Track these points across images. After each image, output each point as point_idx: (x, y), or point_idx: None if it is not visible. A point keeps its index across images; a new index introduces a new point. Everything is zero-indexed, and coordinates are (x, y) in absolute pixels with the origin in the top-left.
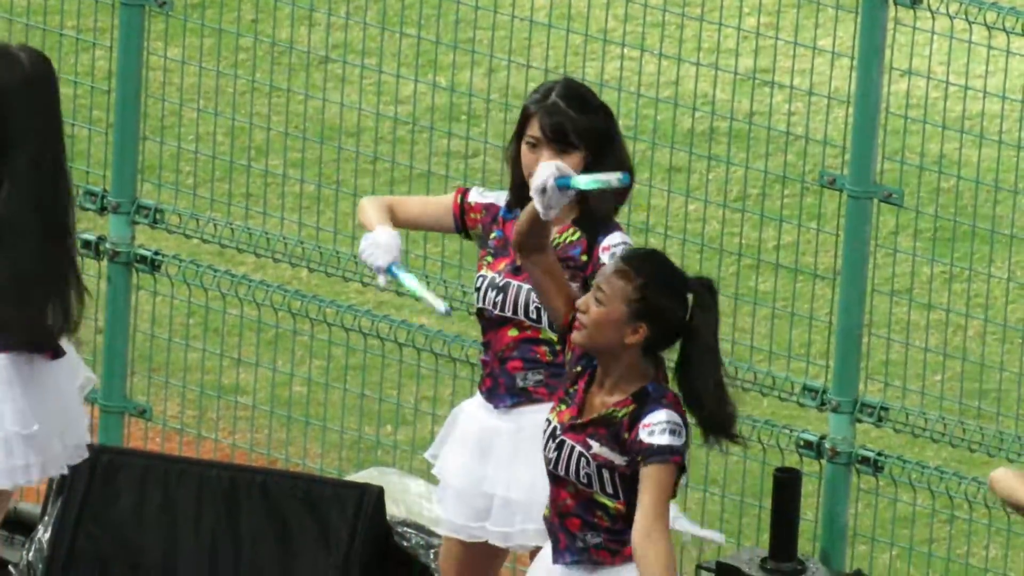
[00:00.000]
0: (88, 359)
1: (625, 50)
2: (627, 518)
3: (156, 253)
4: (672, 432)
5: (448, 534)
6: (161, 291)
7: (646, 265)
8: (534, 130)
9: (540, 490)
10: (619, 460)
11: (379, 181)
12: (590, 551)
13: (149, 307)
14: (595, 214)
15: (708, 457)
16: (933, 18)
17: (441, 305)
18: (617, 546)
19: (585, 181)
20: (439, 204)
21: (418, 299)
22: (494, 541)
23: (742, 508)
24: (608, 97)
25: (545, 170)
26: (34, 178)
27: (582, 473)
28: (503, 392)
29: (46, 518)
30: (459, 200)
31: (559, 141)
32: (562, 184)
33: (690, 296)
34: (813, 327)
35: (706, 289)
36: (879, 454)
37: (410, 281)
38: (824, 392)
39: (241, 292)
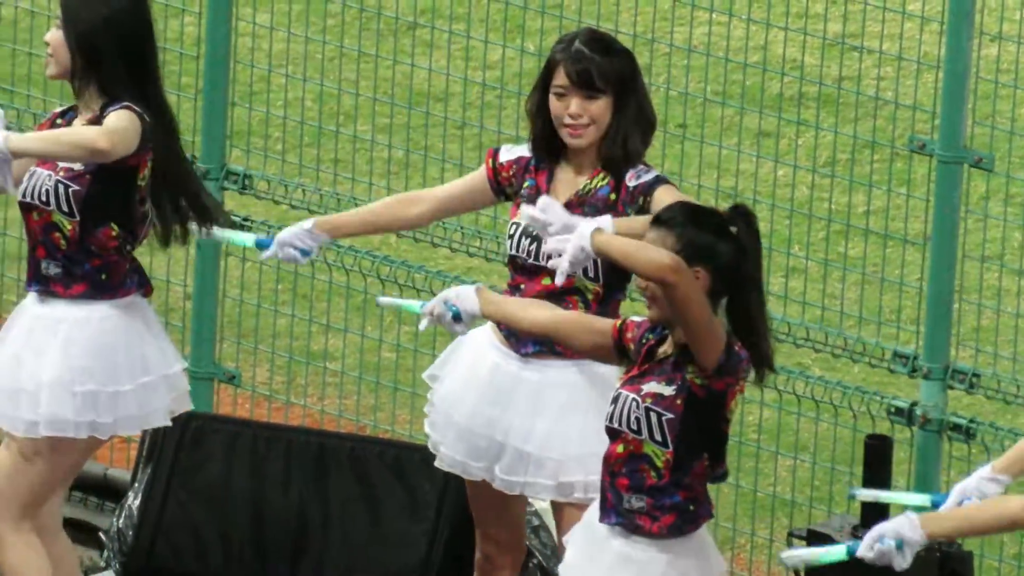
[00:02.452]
0: (177, 325)
1: (713, 15)
2: (674, 469)
3: (245, 219)
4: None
5: (446, 468)
6: (250, 257)
7: (676, 215)
8: (560, 79)
9: (556, 446)
10: (667, 390)
11: (467, 146)
12: (633, 515)
13: (238, 273)
14: (615, 158)
15: (799, 424)
16: None
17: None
18: (658, 513)
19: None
20: (469, 182)
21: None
22: (498, 486)
23: (833, 475)
24: (696, 62)
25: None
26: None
27: (632, 418)
28: (527, 337)
29: (136, 485)
30: (491, 164)
31: (586, 86)
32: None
33: (732, 228)
34: (904, 293)
35: (742, 215)
36: (971, 421)
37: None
38: (915, 358)
39: (330, 258)
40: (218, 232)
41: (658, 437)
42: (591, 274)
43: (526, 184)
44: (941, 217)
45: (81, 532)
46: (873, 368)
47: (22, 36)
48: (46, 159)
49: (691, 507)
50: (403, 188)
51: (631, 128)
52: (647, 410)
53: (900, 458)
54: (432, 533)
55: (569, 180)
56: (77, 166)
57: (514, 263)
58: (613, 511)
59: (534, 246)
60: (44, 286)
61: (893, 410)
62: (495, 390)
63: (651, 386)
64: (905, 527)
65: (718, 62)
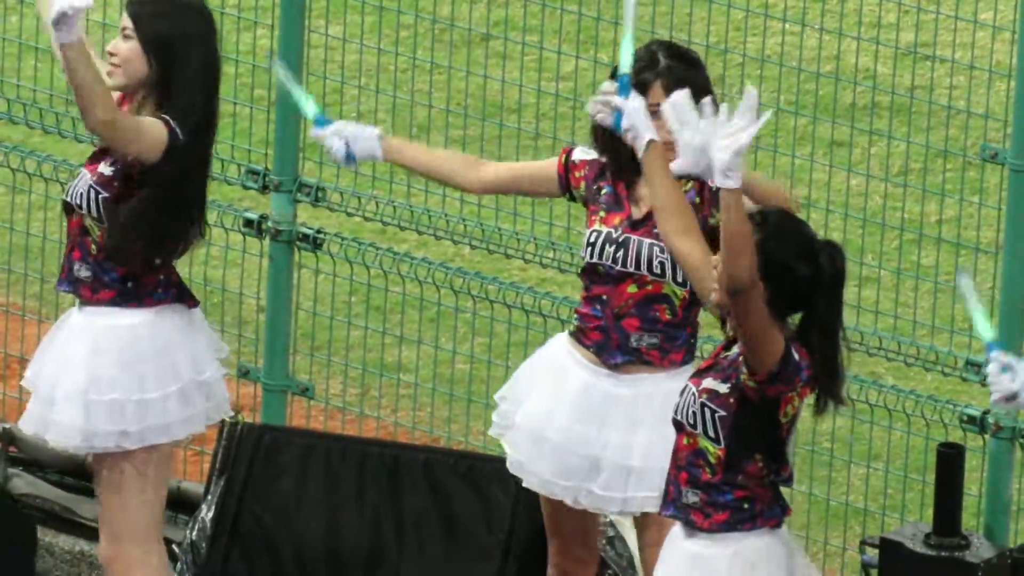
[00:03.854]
0: (250, 338)
1: (786, 25)
2: (727, 468)
3: (318, 231)
4: None
5: (536, 489)
6: (323, 269)
7: (770, 221)
8: (658, 96)
9: (656, 457)
10: (722, 388)
11: (541, 157)
12: (689, 509)
13: (311, 285)
14: None
15: (872, 432)
16: None
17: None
18: (711, 509)
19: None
20: (539, 165)
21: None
22: (591, 505)
23: (906, 483)
24: (769, 72)
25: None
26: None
27: (690, 412)
28: (615, 348)
29: (209, 497)
30: (563, 160)
31: (673, 81)
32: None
33: (820, 259)
34: None
35: (827, 249)
36: None
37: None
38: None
39: (403, 270)
40: (282, 72)
41: (711, 433)
42: (679, 279)
43: (604, 191)
44: (1013, 225)
45: None
46: (946, 376)
47: None
48: (74, 69)
49: (745, 505)
50: (477, 200)
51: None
52: (702, 405)
53: (972, 466)
54: (507, 544)
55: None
56: (108, 171)
57: (594, 271)
58: (672, 504)
59: (620, 253)
60: (74, 287)
61: (965, 418)
62: (588, 408)
63: (708, 382)
64: None
65: (791, 72)
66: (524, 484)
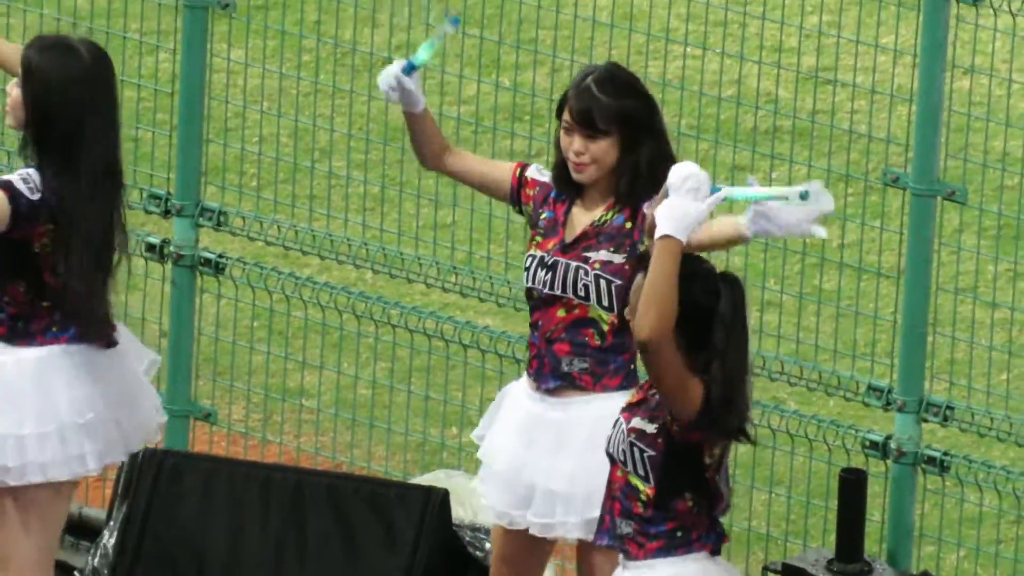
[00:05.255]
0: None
1: (688, 49)
2: (657, 506)
3: (220, 256)
4: None
5: (494, 520)
6: (225, 294)
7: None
8: (566, 114)
9: (581, 482)
10: (650, 428)
11: (443, 181)
12: (623, 539)
13: (214, 310)
14: (624, 195)
15: (774, 458)
16: (996, 15)
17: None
18: (643, 539)
19: (743, 193)
20: (497, 166)
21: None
22: (534, 531)
23: (808, 509)
24: (671, 96)
25: None
26: (94, 174)
27: (620, 448)
28: (547, 372)
29: (111, 523)
30: (518, 173)
31: (587, 126)
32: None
33: (720, 290)
34: (878, 326)
35: (728, 284)
36: (945, 454)
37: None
38: (889, 391)
39: (305, 294)
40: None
41: (641, 472)
42: (606, 303)
43: (544, 216)
44: (915, 250)
45: (57, 571)
46: (848, 401)
47: None
48: None
49: (679, 534)
50: (380, 224)
51: (643, 168)
52: (631, 444)
53: (875, 491)
54: (409, 569)
55: (586, 211)
56: None
57: (530, 296)
58: (607, 533)
59: (549, 276)
60: None
61: (868, 443)
62: (524, 432)
63: (637, 421)
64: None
65: (692, 96)
66: (489, 518)
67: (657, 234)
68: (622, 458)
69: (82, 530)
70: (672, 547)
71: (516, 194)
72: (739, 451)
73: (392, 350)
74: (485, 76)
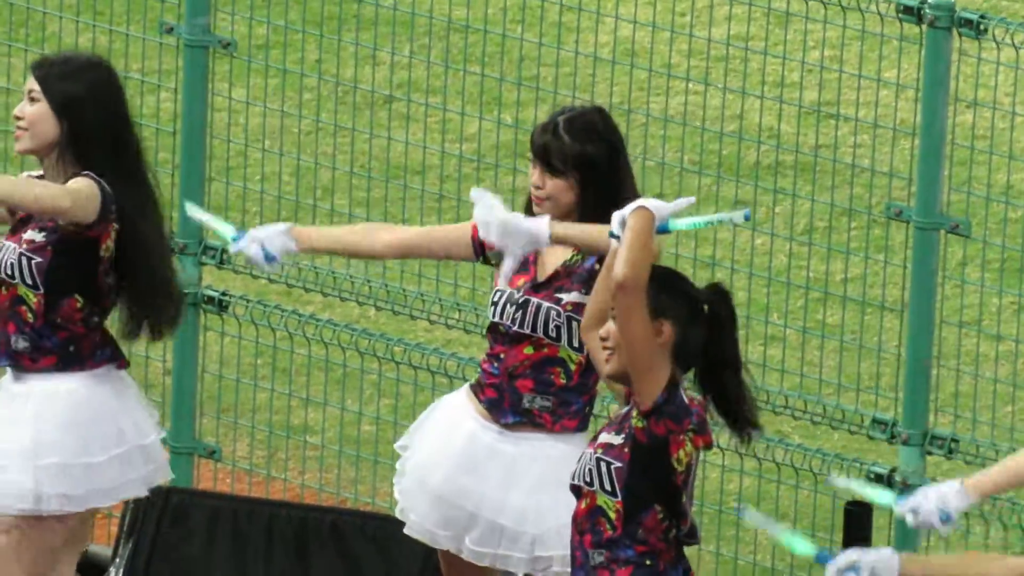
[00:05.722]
0: (157, 400)
1: (690, 85)
2: (626, 520)
3: (223, 293)
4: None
5: (414, 535)
6: (229, 331)
7: (656, 273)
8: (531, 146)
9: (531, 522)
10: (616, 439)
11: (445, 219)
12: (595, 570)
13: (217, 348)
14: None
15: (779, 491)
16: (998, 48)
17: (229, 231)
18: (615, 567)
19: (687, 223)
20: (450, 229)
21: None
22: (467, 557)
23: (813, 542)
24: (673, 132)
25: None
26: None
27: (586, 471)
28: (507, 407)
29: (117, 560)
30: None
31: (543, 162)
32: (661, 229)
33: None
34: (882, 359)
35: (719, 295)
36: None
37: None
38: (894, 425)
39: (308, 331)
40: (196, 212)
41: (608, 486)
42: (575, 344)
43: None
44: (919, 283)
45: None
46: (852, 435)
47: None
48: (10, 202)
49: (648, 562)
50: (382, 261)
51: (601, 214)
52: (598, 460)
53: (880, 524)
54: None
55: (557, 252)
56: (39, 237)
57: (496, 331)
58: (581, 569)
59: (519, 314)
60: (14, 360)
61: (872, 476)
62: (470, 459)
63: (603, 436)
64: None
65: (695, 131)
66: (406, 530)
67: (632, 207)
68: (588, 479)
69: (88, 567)
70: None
71: (479, 245)
72: (744, 485)
73: (395, 386)
74: (487, 113)
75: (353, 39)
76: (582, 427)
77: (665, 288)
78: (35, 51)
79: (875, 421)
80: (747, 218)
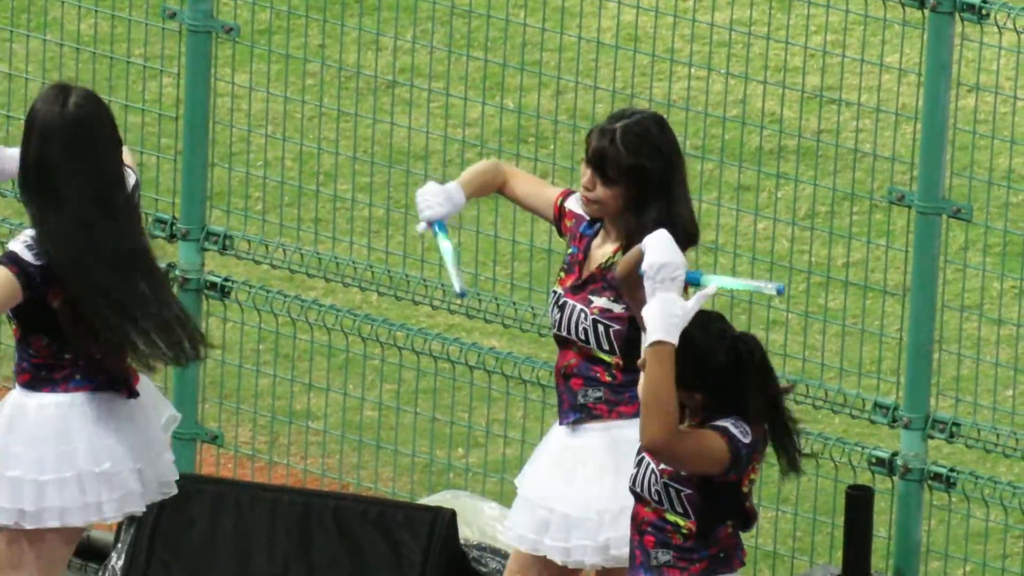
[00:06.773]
0: (159, 386)
1: (692, 70)
2: (698, 537)
3: (226, 279)
4: None
5: (511, 543)
6: (231, 317)
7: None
8: (587, 144)
9: (593, 506)
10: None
11: None
12: (662, 568)
13: (219, 333)
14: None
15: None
16: (1000, 33)
17: (458, 285)
18: (685, 564)
19: (719, 281)
20: (546, 195)
21: (441, 266)
22: (551, 556)
23: (815, 526)
24: (676, 117)
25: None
26: (82, 219)
27: (652, 490)
28: (567, 408)
29: (119, 546)
30: (559, 202)
31: (597, 168)
32: (692, 279)
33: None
34: (883, 344)
35: (747, 345)
36: (951, 470)
37: (444, 247)
38: (895, 409)
39: (311, 317)
40: (447, 253)
41: (679, 509)
42: (606, 347)
43: (569, 250)
44: (920, 268)
45: None
46: (854, 419)
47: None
48: None
49: (722, 555)
50: (384, 247)
51: (647, 227)
52: (665, 485)
53: (881, 508)
54: None
55: (600, 251)
56: None
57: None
58: (641, 567)
59: (559, 315)
60: (13, 373)
61: (874, 460)
62: (550, 463)
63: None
64: None
65: (697, 117)
66: (516, 544)
67: (648, 339)
68: (656, 499)
69: (90, 553)
70: (715, 569)
71: (558, 224)
72: None
73: (398, 372)
74: (489, 99)
75: (356, 24)
76: (639, 412)
77: (694, 364)
78: (37, 37)
79: (877, 405)
80: (780, 292)
